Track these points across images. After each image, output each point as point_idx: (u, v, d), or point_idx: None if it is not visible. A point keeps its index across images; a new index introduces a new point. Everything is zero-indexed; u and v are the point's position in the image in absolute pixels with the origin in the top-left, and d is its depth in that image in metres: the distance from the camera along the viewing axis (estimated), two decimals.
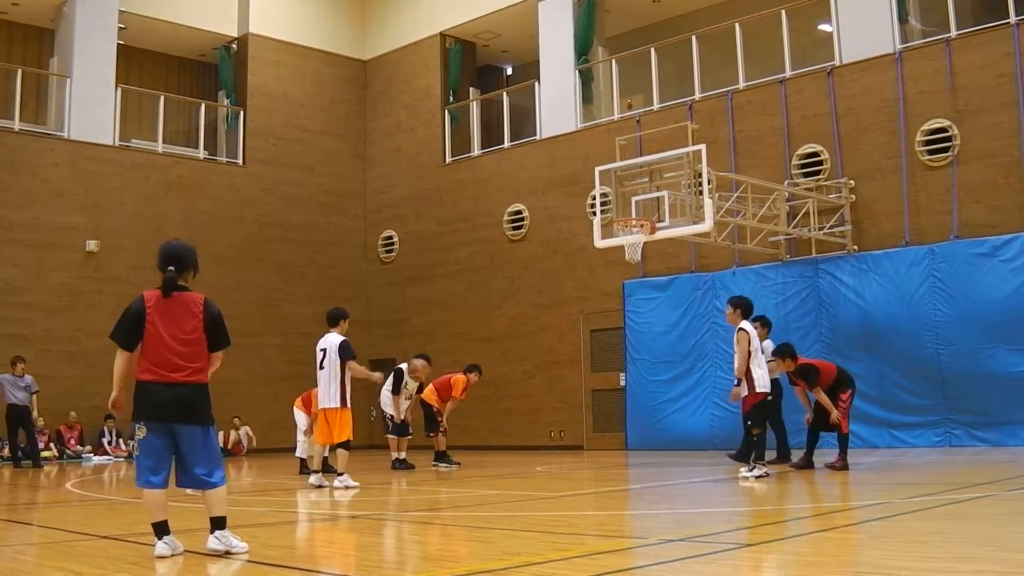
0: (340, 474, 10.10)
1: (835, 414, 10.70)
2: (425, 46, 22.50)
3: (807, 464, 10.90)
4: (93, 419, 18.46)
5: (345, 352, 10.07)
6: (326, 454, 10.74)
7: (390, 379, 13.45)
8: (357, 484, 10.10)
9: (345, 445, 10.16)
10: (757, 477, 9.81)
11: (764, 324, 12.22)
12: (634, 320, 17.79)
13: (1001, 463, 10.95)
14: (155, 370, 5.05)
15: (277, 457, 18.74)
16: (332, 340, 10.17)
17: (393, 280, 22.58)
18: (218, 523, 5.16)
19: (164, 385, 5.04)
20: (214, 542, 5.12)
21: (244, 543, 5.17)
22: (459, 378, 13.88)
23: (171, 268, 5.21)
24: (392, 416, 13.40)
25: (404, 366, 13.54)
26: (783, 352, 10.83)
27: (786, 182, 16.03)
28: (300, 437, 12.91)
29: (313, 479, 10.34)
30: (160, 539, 5.07)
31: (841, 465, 10.59)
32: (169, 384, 5.04)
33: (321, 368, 10.19)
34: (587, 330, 18.82)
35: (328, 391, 10.14)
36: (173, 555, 5.04)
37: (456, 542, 6.06)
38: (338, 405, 10.06)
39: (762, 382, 10.17)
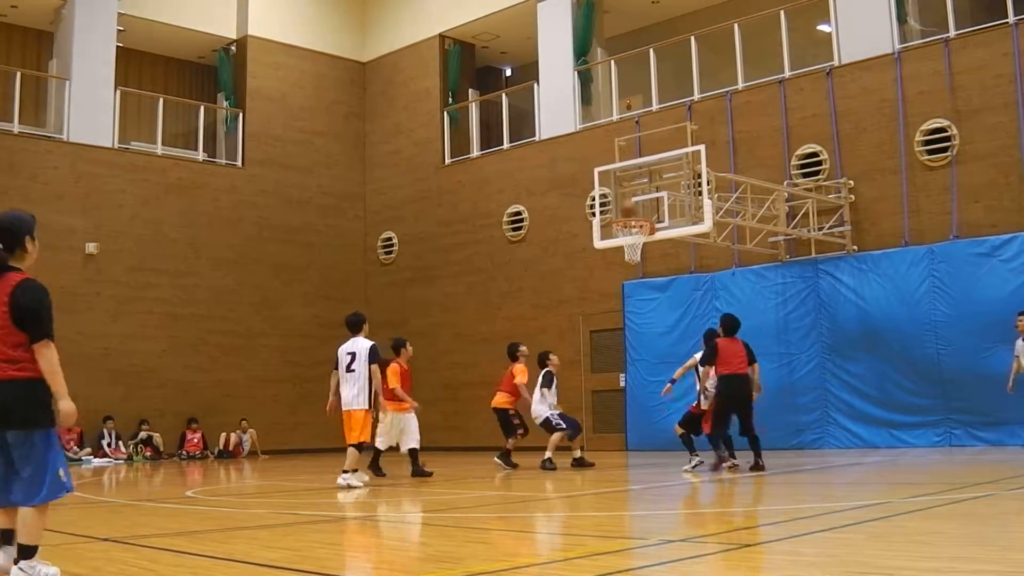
0: (347, 472, 10.12)
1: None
2: (424, 47, 22.50)
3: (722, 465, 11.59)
4: (92, 421, 18.42)
5: (374, 356, 10.28)
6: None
7: (541, 378, 13.29)
8: (361, 485, 10.13)
9: (359, 447, 10.25)
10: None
11: None
12: (634, 321, 17.79)
13: (1001, 463, 10.96)
14: None
15: (279, 459, 18.74)
16: (362, 344, 10.34)
17: (393, 281, 22.57)
18: (22, 552, 4.42)
19: None
20: (17, 573, 4.40)
21: (54, 568, 4.46)
22: (519, 367, 13.58)
23: None
24: (548, 417, 13.16)
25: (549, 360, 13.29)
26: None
27: (785, 182, 16.03)
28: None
29: (342, 479, 10.26)
30: None
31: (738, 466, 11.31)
32: None
33: (350, 371, 10.27)
34: (587, 331, 18.81)
35: (356, 393, 10.21)
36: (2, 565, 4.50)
37: (457, 543, 6.06)
38: (365, 407, 10.19)
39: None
